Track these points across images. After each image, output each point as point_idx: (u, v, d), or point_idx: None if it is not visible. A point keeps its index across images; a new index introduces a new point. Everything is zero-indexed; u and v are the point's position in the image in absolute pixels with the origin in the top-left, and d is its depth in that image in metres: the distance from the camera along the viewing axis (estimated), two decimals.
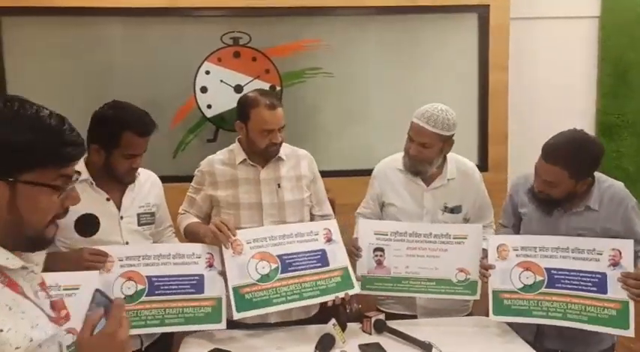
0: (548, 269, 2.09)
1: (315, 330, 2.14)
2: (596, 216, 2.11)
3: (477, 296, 2.27)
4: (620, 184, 2.17)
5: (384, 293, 2.34)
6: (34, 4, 3.05)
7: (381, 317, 2.21)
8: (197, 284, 2.08)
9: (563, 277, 2.07)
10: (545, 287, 2.08)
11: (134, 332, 1.97)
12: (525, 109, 3.45)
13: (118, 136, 1.98)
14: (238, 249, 2.10)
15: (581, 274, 2.04)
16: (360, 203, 2.57)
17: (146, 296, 2.02)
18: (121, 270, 2.01)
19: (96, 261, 1.95)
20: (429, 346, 2.01)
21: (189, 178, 2.57)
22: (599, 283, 2.01)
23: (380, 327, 2.17)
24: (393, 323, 2.21)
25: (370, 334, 2.17)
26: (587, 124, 3.64)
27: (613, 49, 3.61)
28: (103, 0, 3.07)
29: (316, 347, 1.97)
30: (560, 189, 2.07)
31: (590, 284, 2.02)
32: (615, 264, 2.00)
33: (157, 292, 2.03)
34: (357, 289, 2.19)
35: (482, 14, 3.32)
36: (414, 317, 2.38)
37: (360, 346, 2.04)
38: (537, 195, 2.15)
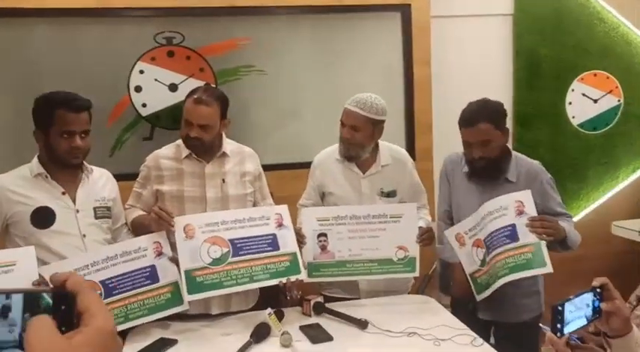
0: (484, 240, 2.23)
1: (260, 317, 2.19)
2: (513, 189, 2.27)
3: (416, 273, 2.41)
4: (536, 162, 2.39)
5: (330, 280, 2.43)
6: None
7: (320, 299, 2.33)
8: (150, 275, 2.14)
9: (494, 240, 2.20)
10: (489, 256, 2.21)
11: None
12: (448, 101, 3.65)
13: (50, 114, 2.01)
14: (190, 232, 2.16)
15: (499, 231, 2.19)
16: (297, 195, 2.67)
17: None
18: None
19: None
20: (365, 323, 2.15)
21: (126, 176, 2.63)
22: (511, 234, 2.16)
23: (319, 309, 2.29)
24: (334, 305, 2.33)
25: (310, 316, 2.29)
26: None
27: (526, 45, 3.88)
28: (30, 1, 3.04)
29: (251, 336, 2.02)
30: (494, 145, 2.25)
31: (504, 237, 2.18)
32: (521, 212, 2.17)
33: (114, 292, 2.07)
34: (303, 275, 2.27)
35: (405, 13, 3.49)
36: (357, 300, 2.50)
37: (301, 327, 2.16)
38: (478, 164, 2.30)
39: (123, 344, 0.64)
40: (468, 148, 2.32)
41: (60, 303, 0.62)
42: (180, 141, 2.37)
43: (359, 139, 2.42)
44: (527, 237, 2.14)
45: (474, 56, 3.82)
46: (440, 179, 2.58)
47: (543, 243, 2.13)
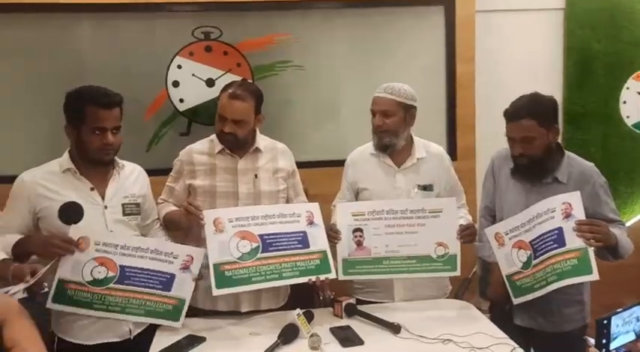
0: (531, 243, 2.13)
1: (289, 317, 2.13)
2: (563, 189, 2.15)
3: (458, 272, 2.32)
4: (590, 164, 2.25)
5: (365, 278, 2.36)
6: (2, 1, 3.06)
7: (352, 301, 2.26)
8: (166, 281, 2.11)
9: (542, 243, 2.10)
10: (534, 259, 2.12)
11: (89, 313, 2.02)
12: (492, 99, 3.52)
13: (82, 110, 2.00)
14: (220, 226, 2.13)
15: (545, 236, 2.09)
16: (332, 193, 2.62)
17: (115, 283, 2.04)
18: (95, 254, 2.02)
19: (65, 248, 1.93)
20: (398, 327, 2.07)
21: (162, 171, 2.61)
22: (558, 238, 2.05)
23: (351, 311, 2.23)
24: (367, 308, 2.26)
25: (341, 317, 2.22)
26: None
27: (578, 41, 3.71)
28: None
29: (279, 337, 1.97)
30: (537, 143, 2.14)
31: (551, 241, 2.07)
32: (568, 215, 2.05)
33: (125, 281, 2.06)
34: (333, 274, 2.23)
35: (449, 7, 3.39)
36: (391, 303, 2.42)
37: (332, 329, 2.10)
38: (519, 162, 2.21)
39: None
40: (511, 143, 2.22)
41: None
42: (214, 136, 2.35)
43: (391, 125, 2.38)
44: (574, 241, 2.03)
45: (520, 52, 3.67)
46: (485, 175, 2.48)
47: (590, 249, 2.00)
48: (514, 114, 2.17)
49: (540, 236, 2.10)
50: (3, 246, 1.96)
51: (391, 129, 2.38)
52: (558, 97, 3.71)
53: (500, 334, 2.04)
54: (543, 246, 2.09)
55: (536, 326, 2.26)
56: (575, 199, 2.06)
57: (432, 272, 2.31)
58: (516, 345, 1.93)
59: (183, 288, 2.13)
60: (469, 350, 1.91)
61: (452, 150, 3.40)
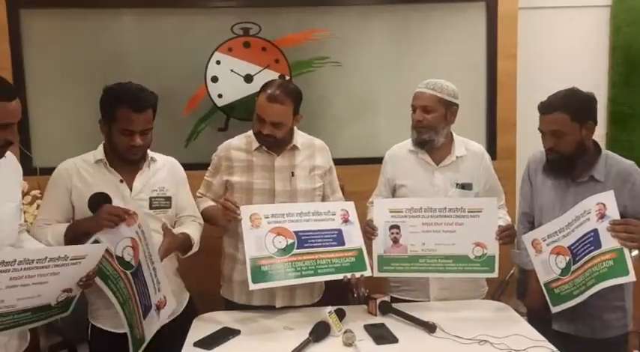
0: (569, 248, 2.08)
1: (322, 314, 2.11)
2: (601, 188, 2.09)
3: (495, 274, 2.27)
4: (630, 162, 2.18)
5: (400, 275, 2.34)
6: None
7: (387, 298, 2.25)
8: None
9: (580, 247, 2.05)
10: (573, 264, 2.07)
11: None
12: (534, 98, 3.43)
13: (113, 111, 2.01)
14: (256, 222, 2.15)
15: (584, 238, 2.04)
16: (368, 190, 2.61)
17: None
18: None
19: (113, 220, 1.89)
20: (433, 326, 2.05)
21: (200, 166, 2.64)
22: (594, 240, 2.00)
23: (385, 309, 2.21)
24: (401, 306, 2.25)
25: (376, 315, 2.21)
26: (598, 115, 3.64)
27: (624, 39, 3.59)
28: None
29: (310, 334, 1.97)
30: (567, 138, 2.10)
31: (588, 244, 2.02)
32: (602, 216, 1.99)
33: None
34: (369, 272, 2.22)
35: (491, 3, 3.33)
36: (427, 302, 2.40)
37: (366, 326, 2.09)
38: (550, 156, 2.18)
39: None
40: (543, 137, 2.18)
41: None
42: (251, 132, 2.36)
43: (431, 121, 2.36)
44: (609, 242, 1.96)
45: (564, 50, 3.59)
46: (522, 179, 2.43)
47: (626, 250, 1.94)
48: (547, 106, 2.14)
49: (578, 240, 2.05)
50: (53, 235, 2.00)
51: (431, 124, 2.36)
52: (603, 97, 3.66)
53: (539, 337, 1.99)
54: (582, 249, 2.04)
55: (575, 331, 2.19)
56: (609, 199, 1.99)
57: (468, 273, 2.28)
58: (554, 348, 1.88)
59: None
60: (505, 351, 1.87)
61: (492, 150, 3.33)
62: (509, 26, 3.33)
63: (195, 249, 2.23)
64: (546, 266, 2.14)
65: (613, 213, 1.98)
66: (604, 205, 1.99)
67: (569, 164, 2.16)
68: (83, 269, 1.79)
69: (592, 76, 3.63)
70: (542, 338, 1.98)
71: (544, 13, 3.54)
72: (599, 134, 3.67)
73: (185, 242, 2.17)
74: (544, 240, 2.15)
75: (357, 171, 3.12)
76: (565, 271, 2.08)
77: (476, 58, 3.40)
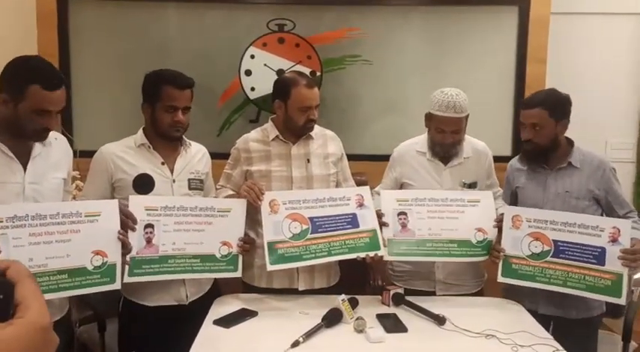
0: (555, 241, 2.23)
1: (336, 301, 2.18)
2: (579, 175, 2.35)
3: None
4: (599, 153, 2.42)
5: (409, 259, 2.44)
6: None
7: (400, 290, 2.33)
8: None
9: (567, 248, 2.21)
10: (551, 257, 2.23)
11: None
12: None
13: (158, 90, 2.19)
14: (275, 208, 2.28)
15: (583, 247, 2.19)
16: None
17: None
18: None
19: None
20: (443, 319, 2.11)
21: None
22: (599, 256, 2.16)
23: (398, 300, 2.28)
24: (414, 299, 2.31)
25: (388, 306, 2.29)
26: (629, 123, 3.64)
27: None
28: None
29: (322, 320, 2.05)
30: (544, 132, 2.33)
31: (590, 256, 2.17)
32: (614, 240, 2.15)
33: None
34: (382, 251, 2.32)
35: (523, 7, 3.35)
36: (433, 293, 2.49)
37: (378, 315, 2.16)
38: (527, 147, 2.39)
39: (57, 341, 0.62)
40: (522, 129, 2.39)
41: None
42: (267, 125, 2.49)
43: (458, 139, 2.47)
44: (614, 264, 2.14)
45: (596, 57, 3.59)
46: (505, 182, 2.62)
47: (625, 276, 2.12)
48: (529, 102, 2.38)
49: (577, 244, 2.20)
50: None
51: (457, 141, 2.47)
52: (635, 104, 3.63)
53: (545, 334, 2.05)
54: (578, 254, 2.19)
55: (562, 314, 2.36)
56: (624, 226, 2.16)
57: (471, 257, 2.39)
58: (560, 346, 1.93)
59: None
60: (511, 347, 1.93)
61: (519, 152, 3.35)
62: (540, 30, 3.35)
63: None
64: (516, 243, 2.28)
65: (625, 240, 2.14)
66: (619, 231, 2.15)
67: (542, 154, 2.38)
68: (104, 228, 1.93)
69: (623, 83, 3.64)
70: (548, 335, 2.04)
71: (575, 18, 3.55)
72: (631, 142, 3.66)
73: None
74: (527, 221, 2.28)
75: (381, 167, 3.18)
76: (536, 257, 2.24)
77: (506, 62, 3.43)
